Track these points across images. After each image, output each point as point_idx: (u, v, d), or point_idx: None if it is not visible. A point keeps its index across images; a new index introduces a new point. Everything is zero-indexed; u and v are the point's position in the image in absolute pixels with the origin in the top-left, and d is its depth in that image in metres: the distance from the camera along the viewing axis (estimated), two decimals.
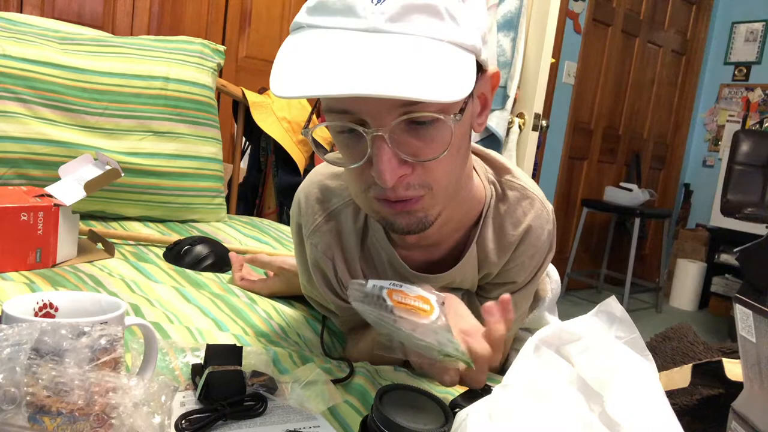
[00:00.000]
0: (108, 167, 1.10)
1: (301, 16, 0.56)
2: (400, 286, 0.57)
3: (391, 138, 0.55)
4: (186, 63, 1.43)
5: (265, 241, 1.38)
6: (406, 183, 0.59)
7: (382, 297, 0.55)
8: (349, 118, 0.56)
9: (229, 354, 0.61)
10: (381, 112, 0.55)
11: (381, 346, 0.60)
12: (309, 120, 0.64)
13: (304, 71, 0.52)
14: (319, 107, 0.63)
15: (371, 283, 0.57)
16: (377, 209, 0.63)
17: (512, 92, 2.08)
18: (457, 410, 0.50)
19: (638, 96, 4.16)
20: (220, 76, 1.86)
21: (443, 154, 0.58)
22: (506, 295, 0.58)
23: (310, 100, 1.89)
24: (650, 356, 0.48)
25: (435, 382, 0.73)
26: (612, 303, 0.50)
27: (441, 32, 0.53)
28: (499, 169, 0.77)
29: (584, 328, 0.50)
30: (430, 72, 0.51)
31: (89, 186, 1.05)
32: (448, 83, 0.51)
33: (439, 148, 0.58)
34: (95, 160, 1.14)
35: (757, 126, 4.22)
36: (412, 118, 0.55)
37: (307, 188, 0.79)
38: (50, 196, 1.03)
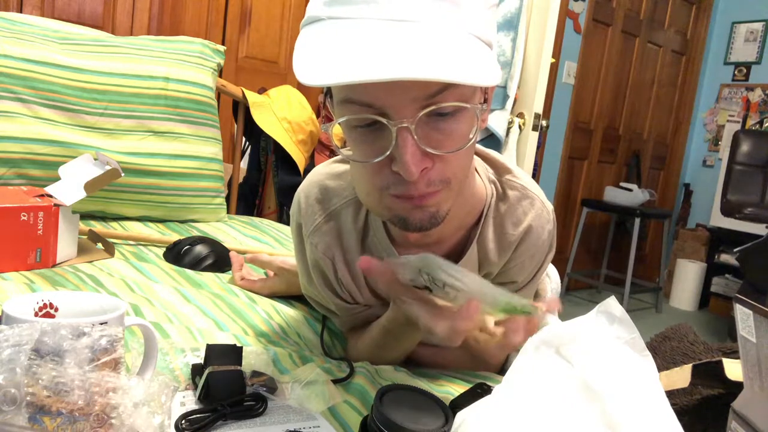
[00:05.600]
0: (108, 167, 1.10)
1: (318, 9, 0.56)
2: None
3: (416, 130, 0.55)
4: (186, 63, 1.43)
5: (265, 241, 1.38)
6: (428, 179, 0.58)
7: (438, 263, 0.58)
8: (372, 111, 0.56)
9: (229, 354, 0.61)
10: (405, 104, 0.54)
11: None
12: (323, 115, 0.64)
13: (334, 59, 0.51)
14: (326, 105, 0.63)
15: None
16: (390, 205, 0.62)
17: (512, 92, 2.08)
18: (457, 410, 0.50)
19: (638, 96, 4.16)
20: (220, 76, 1.86)
21: (469, 143, 0.58)
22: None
23: (311, 99, 1.89)
24: (650, 356, 0.48)
25: (435, 382, 0.74)
26: (612, 303, 0.50)
27: (463, 23, 0.54)
28: (499, 169, 0.77)
29: (584, 328, 0.50)
30: (462, 58, 0.51)
31: (89, 186, 1.05)
32: (479, 68, 0.51)
33: (461, 140, 0.58)
34: (95, 160, 1.14)
35: (757, 126, 4.22)
36: (438, 109, 0.55)
37: (307, 188, 0.79)
38: (50, 196, 1.03)
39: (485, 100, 0.61)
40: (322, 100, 0.66)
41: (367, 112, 0.56)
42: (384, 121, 0.55)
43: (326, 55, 0.52)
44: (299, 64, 0.53)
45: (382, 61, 0.49)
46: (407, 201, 0.60)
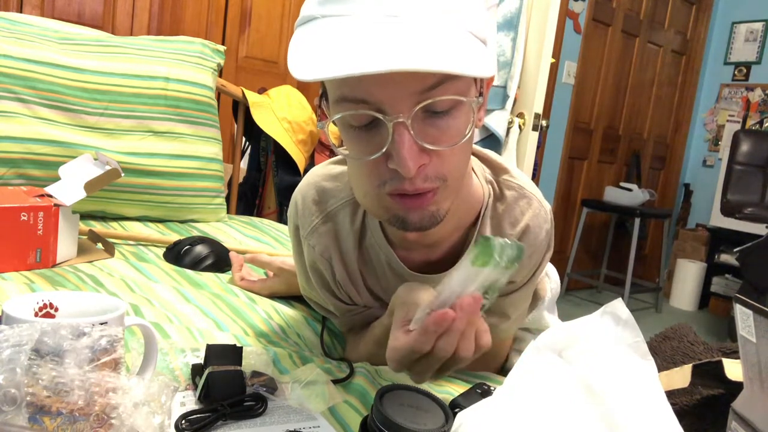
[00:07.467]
0: (108, 167, 1.10)
1: (312, 8, 0.56)
2: None
3: (412, 126, 0.55)
4: (186, 63, 1.43)
5: (265, 241, 1.38)
6: (424, 174, 0.58)
7: None
8: (368, 107, 0.55)
9: (229, 354, 0.61)
10: (401, 99, 0.54)
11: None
12: (318, 116, 0.64)
13: (328, 54, 0.51)
14: (321, 108, 0.63)
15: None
16: (388, 206, 0.62)
17: (512, 92, 2.08)
18: (457, 410, 0.50)
19: (638, 96, 4.16)
20: (220, 76, 1.86)
21: (465, 138, 0.58)
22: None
23: (311, 99, 1.89)
24: (652, 361, 0.48)
25: (435, 382, 0.73)
26: (618, 305, 0.50)
27: (458, 20, 0.54)
28: (496, 169, 0.77)
29: (586, 330, 0.50)
30: (456, 50, 0.51)
31: (89, 186, 1.05)
32: (473, 60, 0.51)
33: (457, 136, 0.58)
34: (95, 160, 1.14)
35: (757, 126, 4.22)
36: (434, 104, 0.55)
37: (303, 190, 0.79)
38: (50, 196, 1.03)
39: (480, 94, 0.61)
40: (318, 103, 0.66)
41: (362, 108, 0.55)
42: (380, 116, 0.55)
43: (320, 51, 0.52)
44: (293, 60, 0.53)
45: (376, 55, 0.49)
46: (404, 200, 0.60)
